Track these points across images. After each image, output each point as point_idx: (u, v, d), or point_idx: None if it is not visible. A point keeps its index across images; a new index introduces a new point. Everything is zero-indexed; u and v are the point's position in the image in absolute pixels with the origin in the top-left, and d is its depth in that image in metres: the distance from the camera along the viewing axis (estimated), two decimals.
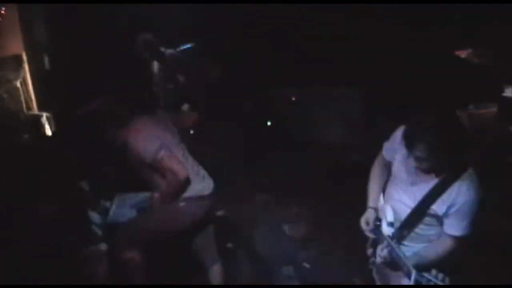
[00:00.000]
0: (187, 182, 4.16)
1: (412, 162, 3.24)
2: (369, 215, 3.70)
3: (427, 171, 3.22)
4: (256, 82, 8.32)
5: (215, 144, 5.39)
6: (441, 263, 3.19)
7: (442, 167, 3.17)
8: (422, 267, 3.08)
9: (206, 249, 4.67)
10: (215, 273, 4.67)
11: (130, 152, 4.15)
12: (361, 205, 3.87)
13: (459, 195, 3.15)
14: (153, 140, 4.14)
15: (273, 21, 8.63)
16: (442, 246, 3.30)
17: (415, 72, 7.14)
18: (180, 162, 4.15)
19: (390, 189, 3.54)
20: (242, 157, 5.85)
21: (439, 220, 3.28)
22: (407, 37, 7.48)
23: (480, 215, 3.23)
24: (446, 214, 3.22)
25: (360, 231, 3.75)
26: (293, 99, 9.33)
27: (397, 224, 3.44)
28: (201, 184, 4.34)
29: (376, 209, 3.69)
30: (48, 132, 9.57)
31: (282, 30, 8.57)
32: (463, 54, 6.77)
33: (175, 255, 5.18)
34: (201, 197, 4.30)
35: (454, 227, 3.22)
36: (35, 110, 10.05)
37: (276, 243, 6.18)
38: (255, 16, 8.51)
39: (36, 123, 9.59)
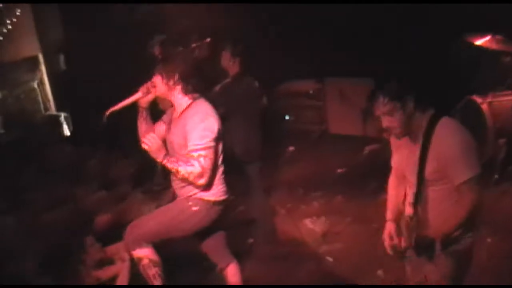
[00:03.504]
0: (201, 186, 4.09)
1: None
2: (388, 227, 3.69)
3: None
4: (273, 76, 8.31)
5: (234, 140, 5.33)
6: None
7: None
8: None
9: (221, 249, 4.58)
10: (231, 273, 4.58)
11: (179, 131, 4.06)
12: (382, 195, 3.85)
13: (438, 144, 3.16)
14: (214, 128, 4.04)
15: (288, 13, 8.60)
16: (461, 204, 3.19)
17: (432, 61, 7.05)
18: (213, 163, 4.07)
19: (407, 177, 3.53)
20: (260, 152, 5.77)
21: (443, 177, 3.23)
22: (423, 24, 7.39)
23: None
24: (442, 166, 3.18)
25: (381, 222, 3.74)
26: (311, 92, 9.30)
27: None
28: (219, 188, 4.25)
29: (392, 219, 3.69)
30: (66, 131, 9.61)
31: (297, 21, 8.54)
32: (481, 41, 6.66)
33: (188, 255, 5.18)
34: (215, 202, 4.20)
35: (458, 174, 3.13)
36: (52, 110, 10.10)
37: (296, 238, 6.12)
38: (269, 9, 8.48)
39: (54, 123, 9.63)
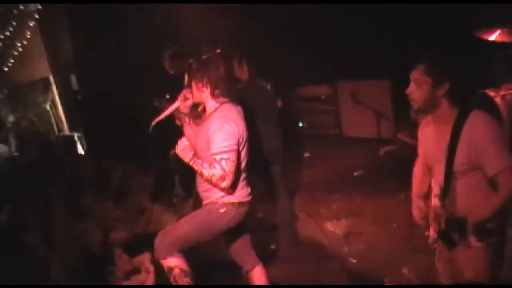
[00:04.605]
0: (224, 188, 4.11)
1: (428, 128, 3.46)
2: (416, 202, 3.78)
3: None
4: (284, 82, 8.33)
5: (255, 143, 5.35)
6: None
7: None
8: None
9: (246, 252, 4.60)
10: (257, 275, 4.58)
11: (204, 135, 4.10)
12: (400, 195, 3.85)
13: (470, 135, 3.16)
14: (235, 131, 4.07)
15: (296, 19, 8.63)
16: (496, 194, 3.18)
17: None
18: (236, 166, 4.07)
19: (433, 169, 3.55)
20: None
21: (472, 169, 3.24)
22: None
23: None
24: (474, 157, 3.18)
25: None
26: (323, 97, 9.34)
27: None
28: (243, 190, 4.27)
29: (419, 196, 3.76)
30: (81, 151, 9.65)
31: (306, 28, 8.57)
32: (491, 35, 6.65)
33: (214, 261, 5.21)
34: (240, 203, 4.23)
35: (493, 164, 3.13)
36: (66, 131, 10.15)
37: (319, 240, 6.10)
38: (278, 16, 8.52)
39: (68, 143, 9.66)
